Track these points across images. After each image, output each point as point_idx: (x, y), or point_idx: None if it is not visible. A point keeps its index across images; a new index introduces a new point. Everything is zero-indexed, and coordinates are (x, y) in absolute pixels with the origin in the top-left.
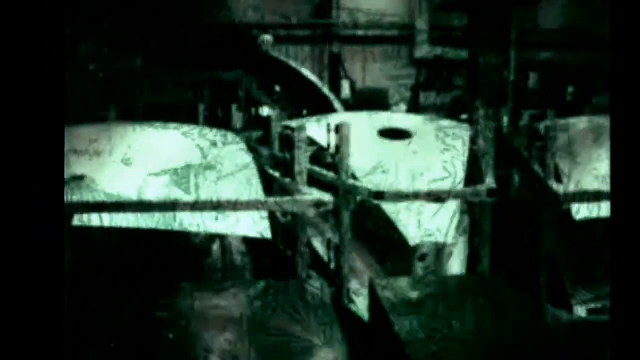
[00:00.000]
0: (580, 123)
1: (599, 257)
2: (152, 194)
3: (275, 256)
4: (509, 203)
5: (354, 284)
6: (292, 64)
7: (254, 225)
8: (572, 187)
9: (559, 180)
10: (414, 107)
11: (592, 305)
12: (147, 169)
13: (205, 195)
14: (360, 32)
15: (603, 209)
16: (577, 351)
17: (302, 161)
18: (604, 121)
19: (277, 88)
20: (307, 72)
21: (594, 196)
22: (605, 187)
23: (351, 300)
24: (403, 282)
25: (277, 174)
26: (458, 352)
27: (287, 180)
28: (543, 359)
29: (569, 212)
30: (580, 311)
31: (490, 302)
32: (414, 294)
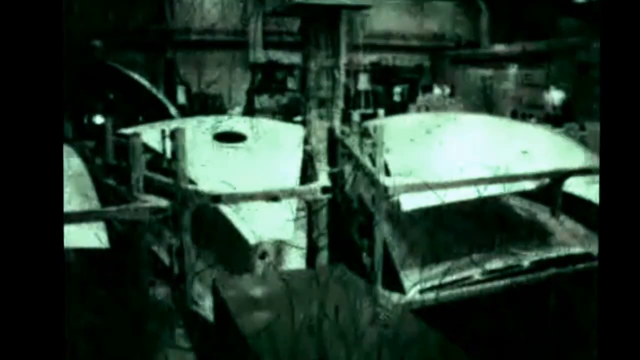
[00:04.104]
0: (408, 120)
1: (426, 242)
2: None
3: (115, 265)
4: (343, 198)
5: (197, 287)
6: (125, 70)
7: (91, 235)
8: (400, 180)
9: (388, 174)
10: (249, 110)
11: (421, 286)
12: None
13: None
14: (194, 38)
15: (428, 199)
16: (408, 331)
17: (138, 168)
18: (430, 117)
19: (110, 95)
20: (140, 79)
21: (420, 187)
22: (430, 178)
23: (195, 303)
24: (245, 280)
25: (112, 183)
26: (301, 344)
27: (123, 188)
28: (376, 340)
29: (398, 203)
30: (412, 292)
31: (330, 290)
32: (257, 291)
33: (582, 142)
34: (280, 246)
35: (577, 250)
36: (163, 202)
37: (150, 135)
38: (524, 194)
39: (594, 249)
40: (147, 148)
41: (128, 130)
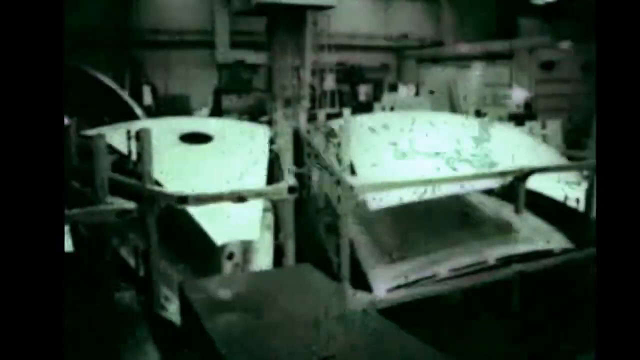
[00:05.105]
0: (373, 119)
1: (392, 241)
2: None
3: (80, 269)
4: (309, 197)
5: (164, 290)
6: (90, 70)
7: None
8: (365, 179)
9: (353, 173)
10: (216, 111)
11: (389, 285)
12: None
13: None
14: (161, 37)
15: (394, 198)
16: (375, 330)
17: (103, 170)
18: (396, 116)
19: (74, 96)
20: (106, 79)
21: (386, 186)
22: (395, 177)
23: (162, 307)
24: (213, 282)
25: (76, 185)
26: (271, 343)
27: (88, 190)
28: (344, 340)
29: (364, 202)
30: (378, 291)
31: (298, 290)
32: (225, 293)
33: (544, 140)
34: (247, 247)
35: (540, 246)
36: (129, 204)
37: (115, 136)
38: (488, 192)
39: (556, 245)
40: (112, 149)
41: (92, 132)
